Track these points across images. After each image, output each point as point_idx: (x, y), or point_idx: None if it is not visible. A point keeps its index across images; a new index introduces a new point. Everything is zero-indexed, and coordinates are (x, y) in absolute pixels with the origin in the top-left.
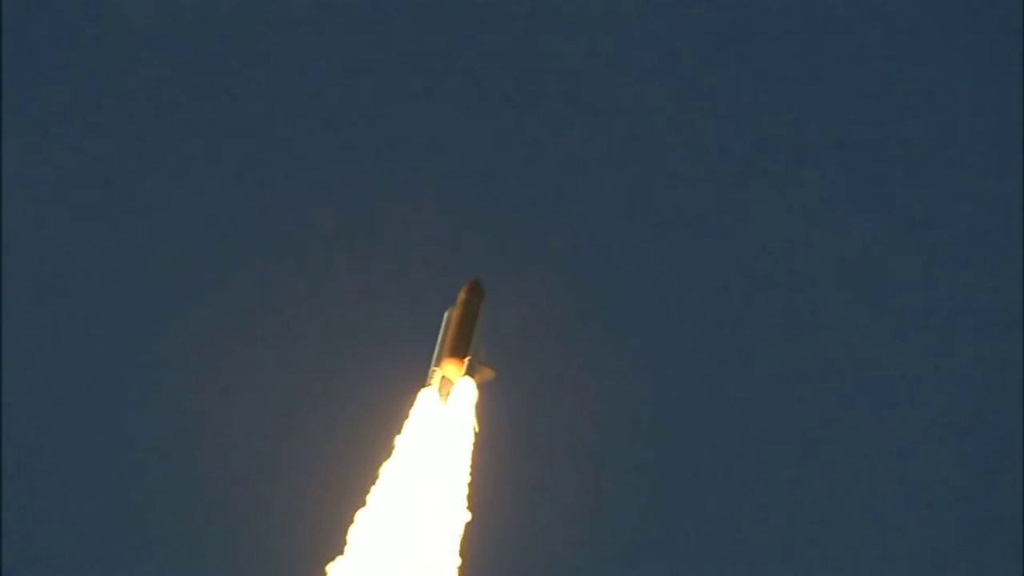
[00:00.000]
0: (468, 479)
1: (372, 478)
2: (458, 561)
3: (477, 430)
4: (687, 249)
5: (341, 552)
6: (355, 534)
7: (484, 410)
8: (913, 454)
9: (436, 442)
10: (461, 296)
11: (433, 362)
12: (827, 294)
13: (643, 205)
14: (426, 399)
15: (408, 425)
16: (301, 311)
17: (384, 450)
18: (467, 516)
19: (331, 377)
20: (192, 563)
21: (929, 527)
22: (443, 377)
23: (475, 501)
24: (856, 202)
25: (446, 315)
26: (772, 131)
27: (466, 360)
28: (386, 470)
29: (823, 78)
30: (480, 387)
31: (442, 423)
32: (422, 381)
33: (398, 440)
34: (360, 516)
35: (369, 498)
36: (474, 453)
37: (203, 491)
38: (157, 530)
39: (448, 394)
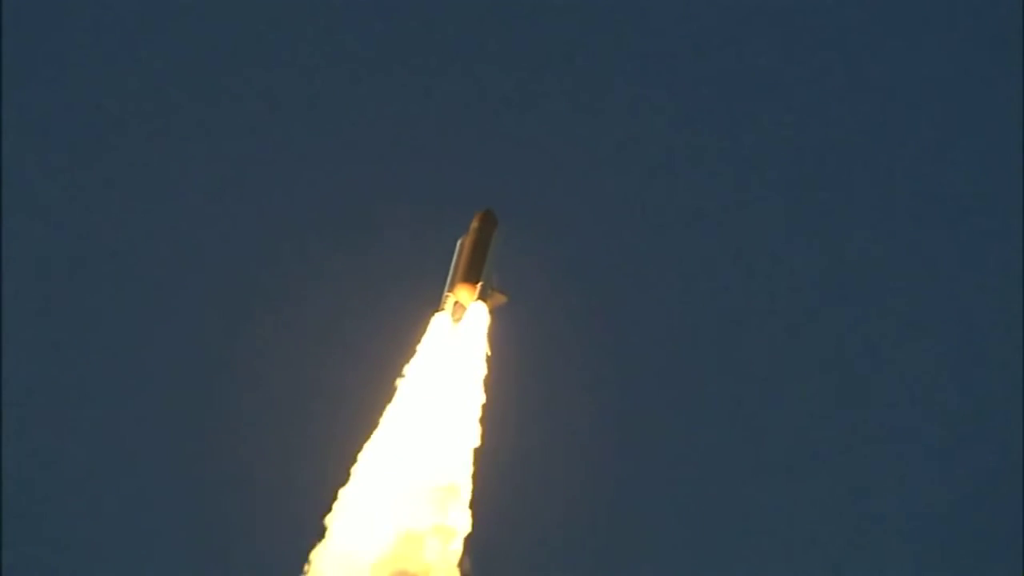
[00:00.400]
0: (481, 400)
1: (386, 398)
2: (470, 482)
3: (489, 353)
4: (696, 182)
5: (352, 473)
6: (368, 454)
7: (496, 334)
8: (913, 454)
9: (449, 364)
10: (474, 224)
11: (446, 288)
12: (827, 293)
13: (655, 152)
14: (439, 323)
15: (421, 347)
16: (321, 241)
17: (397, 372)
18: (478, 440)
19: (347, 302)
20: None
21: (929, 527)
22: (456, 302)
23: (487, 423)
24: (856, 202)
25: (459, 243)
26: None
27: (478, 285)
28: (399, 391)
29: (826, 78)
30: (492, 312)
31: (454, 346)
32: (436, 306)
33: (411, 362)
34: (374, 436)
35: (383, 418)
36: (487, 376)
37: (215, 435)
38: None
39: (461, 318)
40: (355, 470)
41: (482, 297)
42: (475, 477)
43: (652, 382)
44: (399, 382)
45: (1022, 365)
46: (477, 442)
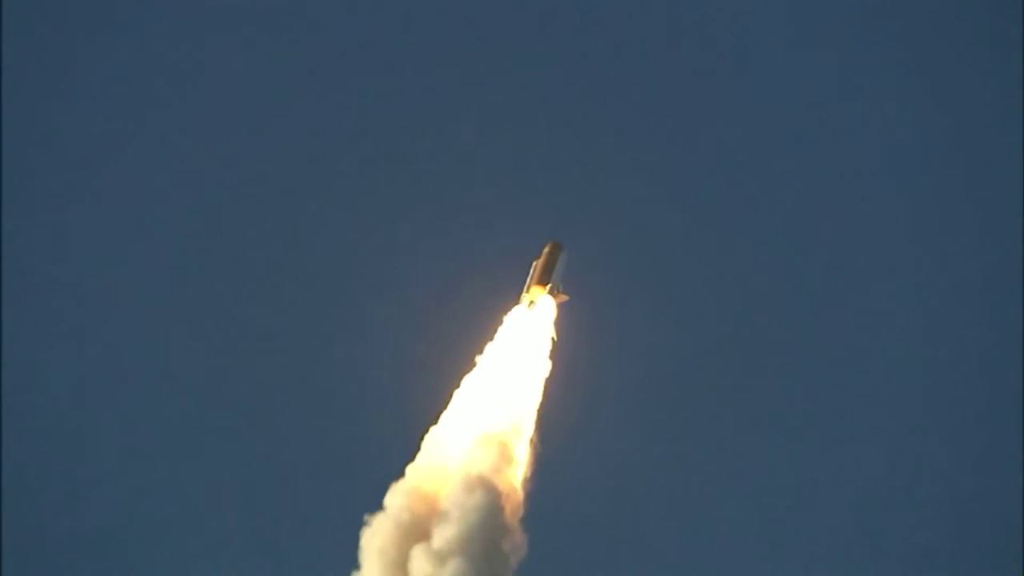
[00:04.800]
0: (546, 373)
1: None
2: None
3: (555, 339)
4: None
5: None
6: (462, 392)
7: (560, 328)
8: (912, 454)
9: (523, 335)
10: (545, 250)
11: (524, 291)
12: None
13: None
14: (517, 310)
15: (503, 325)
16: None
17: (487, 342)
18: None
19: (452, 302)
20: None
21: (929, 527)
22: (531, 301)
23: (549, 393)
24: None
25: (533, 264)
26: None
27: (548, 286)
28: (487, 352)
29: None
30: (558, 307)
31: (528, 324)
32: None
33: (497, 334)
34: (467, 378)
35: (476, 364)
36: (551, 351)
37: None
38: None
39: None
40: (443, 416)
41: (550, 294)
42: (537, 425)
43: (677, 367)
44: (485, 351)
45: (1022, 365)
46: (540, 399)
